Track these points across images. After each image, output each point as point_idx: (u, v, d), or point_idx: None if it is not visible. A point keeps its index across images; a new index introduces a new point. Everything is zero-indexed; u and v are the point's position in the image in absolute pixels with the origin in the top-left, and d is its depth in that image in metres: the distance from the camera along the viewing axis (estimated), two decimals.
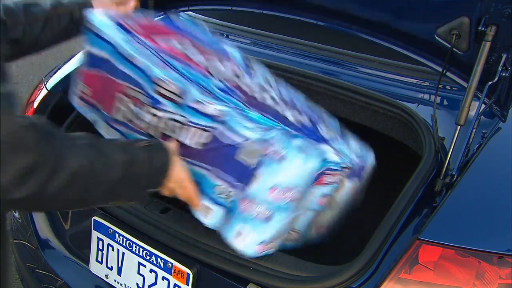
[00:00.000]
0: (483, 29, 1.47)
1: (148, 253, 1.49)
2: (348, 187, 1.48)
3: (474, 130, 1.49)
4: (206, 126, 1.27)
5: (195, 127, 1.28)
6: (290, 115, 1.40)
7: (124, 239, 1.53)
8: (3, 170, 0.89)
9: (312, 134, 1.38)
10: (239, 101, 1.33)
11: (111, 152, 1.08)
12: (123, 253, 1.55)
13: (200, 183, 1.30)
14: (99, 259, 1.61)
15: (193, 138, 1.29)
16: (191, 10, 2.32)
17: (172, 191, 1.25)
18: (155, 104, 1.31)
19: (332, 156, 1.34)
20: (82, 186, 1.01)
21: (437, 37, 1.64)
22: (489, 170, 1.48)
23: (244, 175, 1.26)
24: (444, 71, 1.66)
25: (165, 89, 1.28)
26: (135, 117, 1.36)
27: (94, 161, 1.03)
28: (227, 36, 2.24)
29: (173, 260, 1.45)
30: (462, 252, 1.24)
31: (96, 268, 1.63)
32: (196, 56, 1.39)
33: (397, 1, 1.71)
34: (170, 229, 1.48)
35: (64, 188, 0.97)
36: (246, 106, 1.32)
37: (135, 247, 1.51)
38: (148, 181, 1.18)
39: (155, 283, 1.50)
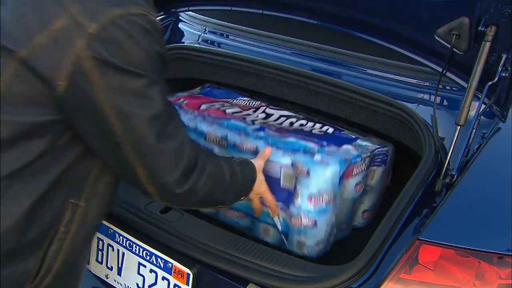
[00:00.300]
0: (483, 29, 1.47)
1: (148, 253, 1.49)
2: (378, 173, 1.77)
3: (474, 130, 1.49)
4: None
5: None
6: (315, 129, 1.76)
7: (124, 239, 1.53)
8: (174, 171, 1.16)
9: (334, 139, 1.68)
10: (270, 134, 1.68)
11: (222, 163, 1.33)
12: (123, 253, 1.55)
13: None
14: (99, 259, 1.61)
15: None
16: (191, 10, 2.32)
17: (252, 200, 1.53)
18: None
19: (352, 151, 1.62)
20: (211, 186, 1.26)
21: (437, 37, 1.64)
22: (489, 170, 1.48)
23: (288, 198, 1.56)
24: (444, 71, 1.66)
25: (210, 137, 1.71)
26: None
27: (217, 167, 1.30)
28: (227, 36, 2.24)
29: (173, 260, 1.45)
30: (462, 252, 1.24)
31: (96, 268, 1.63)
32: (232, 109, 1.86)
33: (397, 1, 1.71)
34: (170, 229, 1.48)
35: (203, 186, 1.23)
36: (277, 136, 1.66)
37: (135, 247, 1.51)
38: (241, 190, 1.42)
39: (155, 283, 1.50)
